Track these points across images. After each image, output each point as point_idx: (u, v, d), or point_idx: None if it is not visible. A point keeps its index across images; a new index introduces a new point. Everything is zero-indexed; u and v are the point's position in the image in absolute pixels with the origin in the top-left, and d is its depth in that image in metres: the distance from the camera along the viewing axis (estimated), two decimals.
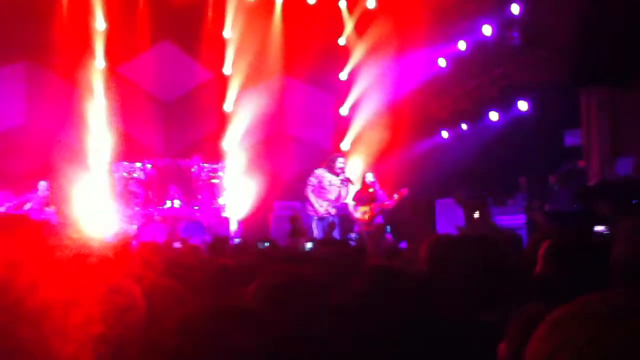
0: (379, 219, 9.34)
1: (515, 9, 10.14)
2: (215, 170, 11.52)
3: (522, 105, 10.77)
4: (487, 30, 10.64)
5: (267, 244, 5.27)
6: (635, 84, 9.65)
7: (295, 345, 1.50)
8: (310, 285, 1.80)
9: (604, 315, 0.62)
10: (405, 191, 9.24)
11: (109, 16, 11.24)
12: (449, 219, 9.00)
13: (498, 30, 10.51)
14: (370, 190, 9.48)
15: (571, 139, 11.04)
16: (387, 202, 9.30)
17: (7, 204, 9.94)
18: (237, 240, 7.82)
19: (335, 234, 9.17)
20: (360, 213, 9.39)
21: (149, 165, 11.07)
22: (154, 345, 1.24)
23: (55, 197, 10.06)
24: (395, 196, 9.22)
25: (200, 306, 1.30)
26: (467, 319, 2.01)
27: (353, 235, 9.17)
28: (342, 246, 4.59)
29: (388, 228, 9.25)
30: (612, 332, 0.60)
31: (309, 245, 4.79)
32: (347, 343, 1.99)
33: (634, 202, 7.69)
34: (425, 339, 1.78)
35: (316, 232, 9.08)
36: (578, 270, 2.02)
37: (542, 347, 0.66)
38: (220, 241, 5.86)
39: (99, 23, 11.23)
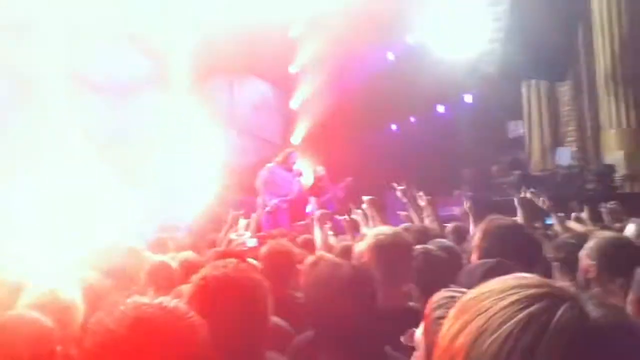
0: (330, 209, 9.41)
1: None
2: None
3: (467, 98, 11.07)
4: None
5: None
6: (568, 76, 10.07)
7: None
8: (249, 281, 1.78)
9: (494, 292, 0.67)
10: (349, 181, 9.37)
11: None
12: (396, 210, 9.14)
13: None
14: (320, 183, 9.54)
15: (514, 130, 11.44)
16: (338, 193, 9.39)
17: None
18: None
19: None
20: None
21: None
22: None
23: None
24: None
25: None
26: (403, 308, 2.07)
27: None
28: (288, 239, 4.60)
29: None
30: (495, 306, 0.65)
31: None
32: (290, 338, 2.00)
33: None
34: (368, 329, 1.81)
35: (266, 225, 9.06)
36: (511, 257, 2.09)
37: (450, 326, 0.68)
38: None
39: None
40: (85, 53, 10.33)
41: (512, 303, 0.63)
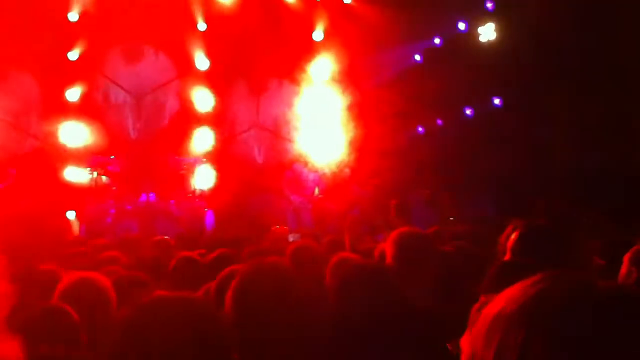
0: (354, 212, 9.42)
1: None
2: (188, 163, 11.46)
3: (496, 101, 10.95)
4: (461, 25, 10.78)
5: None
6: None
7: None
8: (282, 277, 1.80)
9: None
10: (376, 183, 9.37)
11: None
12: (421, 212, 9.11)
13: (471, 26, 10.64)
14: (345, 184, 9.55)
15: None
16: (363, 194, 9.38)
17: None
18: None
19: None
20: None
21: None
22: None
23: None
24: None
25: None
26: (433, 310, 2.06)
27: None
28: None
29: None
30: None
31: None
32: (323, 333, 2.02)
33: None
34: (397, 328, 1.81)
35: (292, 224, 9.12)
36: (544, 259, 2.06)
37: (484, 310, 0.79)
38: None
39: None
40: None
41: (530, 282, 0.76)
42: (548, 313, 0.70)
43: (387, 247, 2.40)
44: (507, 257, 2.39)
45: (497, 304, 0.76)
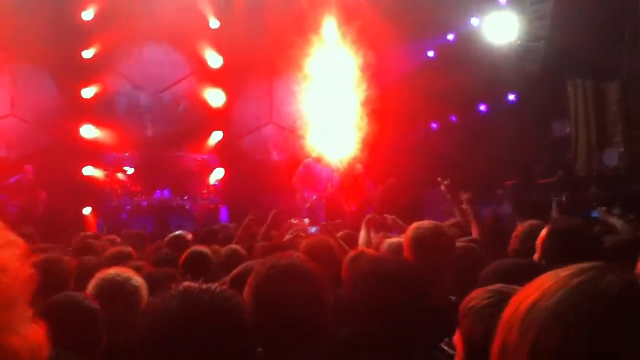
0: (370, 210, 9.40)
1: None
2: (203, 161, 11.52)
3: (511, 97, 10.85)
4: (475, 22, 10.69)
5: None
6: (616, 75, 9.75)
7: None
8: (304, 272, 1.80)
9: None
10: (391, 181, 9.32)
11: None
12: (435, 209, 9.07)
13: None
14: (358, 181, 9.54)
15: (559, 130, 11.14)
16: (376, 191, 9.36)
17: None
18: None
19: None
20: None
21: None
22: None
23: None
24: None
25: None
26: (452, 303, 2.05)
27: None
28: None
29: None
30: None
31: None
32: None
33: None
34: (416, 321, 1.80)
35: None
36: (578, 256, 2.05)
37: (510, 304, 0.78)
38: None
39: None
40: None
41: (566, 276, 0.75)
42: (596, 308, 0.69)
43: (404, 242, 2.39)
44: (537, 255, 2.39)
45: (529, 294, 0.75)
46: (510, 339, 0.73)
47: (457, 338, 1.36)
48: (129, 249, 4.14)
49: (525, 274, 0.89)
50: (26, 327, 0.85)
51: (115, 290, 2.29)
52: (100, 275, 2.38)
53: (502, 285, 1.36)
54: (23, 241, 0.92)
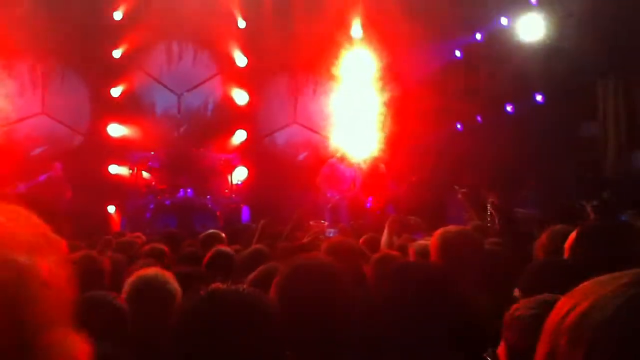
0: (393, 210, 9.35)
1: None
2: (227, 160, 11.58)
3: (538, 97, 10.67)
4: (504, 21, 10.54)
5: None
6: None
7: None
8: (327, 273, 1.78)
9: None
10: (413, 180, 9.25)
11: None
12: (458, 209, 8.96)
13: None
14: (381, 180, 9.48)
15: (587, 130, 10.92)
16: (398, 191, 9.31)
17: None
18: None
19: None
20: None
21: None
22: None
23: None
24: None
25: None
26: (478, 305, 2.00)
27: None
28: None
29: None
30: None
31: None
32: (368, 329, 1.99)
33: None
34: (443, 325, 1.77)
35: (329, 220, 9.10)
36: (608, 258, 1.99)
37: (558, 311, 0.73)
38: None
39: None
40: None
41: (623, 285, 0.68)
42: None
43: (431, 246, 2.35)
44: (565, 256, 2.32)
45: (577, 302, 0.70)
46: (559, 351, 0.68)
47: (501, 349, 1.32)
48: (162, 246, 4.17)
49: (568, 276, 0.83)
50: (68, 345, 0.79)
51: (152, 292, 2.31)
52: (139, 274, 2.40)
53: (548, 294, 1.32)
54: (62, 239, 0.88)
